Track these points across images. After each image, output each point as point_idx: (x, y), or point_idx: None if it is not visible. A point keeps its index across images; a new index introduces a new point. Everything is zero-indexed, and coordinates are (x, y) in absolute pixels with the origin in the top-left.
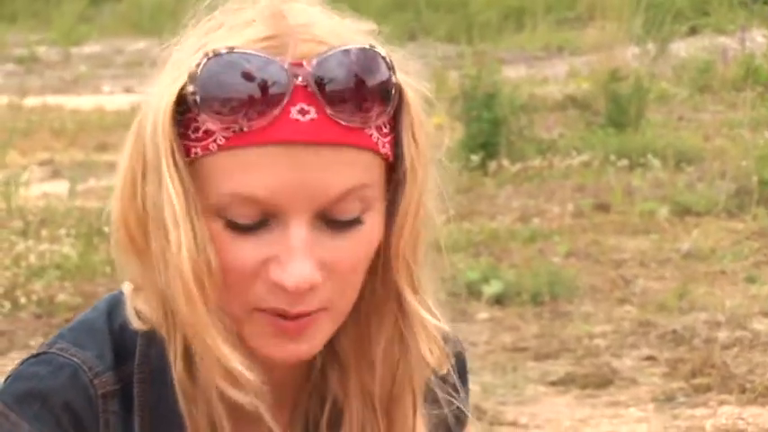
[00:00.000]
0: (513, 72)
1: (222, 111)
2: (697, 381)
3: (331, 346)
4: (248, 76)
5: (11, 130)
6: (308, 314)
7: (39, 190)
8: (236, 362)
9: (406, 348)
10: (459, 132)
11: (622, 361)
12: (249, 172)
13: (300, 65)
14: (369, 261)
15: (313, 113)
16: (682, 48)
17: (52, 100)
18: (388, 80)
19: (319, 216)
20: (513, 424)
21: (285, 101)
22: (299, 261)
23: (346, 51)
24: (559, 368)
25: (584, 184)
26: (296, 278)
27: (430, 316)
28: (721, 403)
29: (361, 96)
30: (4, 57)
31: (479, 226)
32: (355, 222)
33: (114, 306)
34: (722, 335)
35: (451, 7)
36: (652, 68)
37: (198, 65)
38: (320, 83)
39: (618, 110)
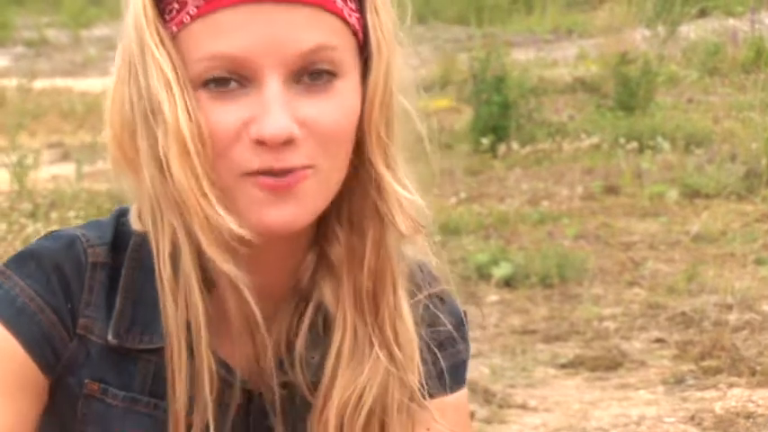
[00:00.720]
0: (522, 55)
1: None
2: (706, 363)
3: (325, 256)
4: None
5: (21, 112)
6: (292, 170)
7: (48, 172)
8: (229, 221)
9: (385, 228)
10: (468, 115)
11: (631, 343)
12: (222, 34)
13: None
14: (351, 129)
15: None
16: (691, 30)
17: (61, 82)
18: None
19: (293, 76)
20: (523, 406)
21: None
22: (275, 113)
23: None
24: (569, 351)
25: (594, 166)
26: (272, 128)
27: (403, 190)
28: (731, 386)
29: None
30: (14, 40)
31: (489, 208)
32: (328, 83)
33: (122, 212)
34: (732, 317)
35: None
36: (661, 51)
37: None
38: None
39: (627, 92)
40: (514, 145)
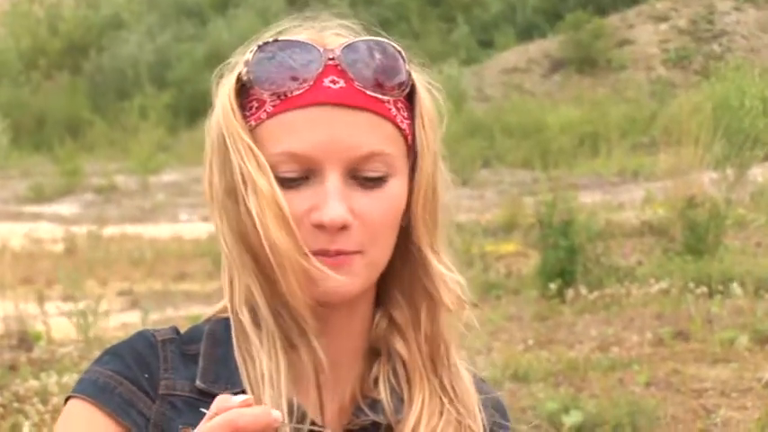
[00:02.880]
0: (588, 198)
1: (270, 81)
2: None
3: (392, 318)
4: (290, 55)
5: (90, 260)
6: (345, 253)
7: (117, 320)
8: (328, 270)
9: (434, 303)
10: (535, 260)
11: None
12: (291, 132)
13: (332, 50)
14: (397, 220)
15: (342, 83)
16: (758, 173)
17: (131, 229)
18: (402, 65)
19: (350, 173)
20: None
21: (318, 73)
22: (334, 201)
23: (369, 40)
24: None
25: (663, 311)
26: (331, 215)
27: (446, 270)
28: None
29: (379, 73)
30: (84, 186)
31: (558, 355)
32: (380, 181)
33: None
34: None
35: (526, 133)
36: (729, 194)
37: (251, 52)
38: (347, 61)
39: (695, 236)
40: (582, 290)
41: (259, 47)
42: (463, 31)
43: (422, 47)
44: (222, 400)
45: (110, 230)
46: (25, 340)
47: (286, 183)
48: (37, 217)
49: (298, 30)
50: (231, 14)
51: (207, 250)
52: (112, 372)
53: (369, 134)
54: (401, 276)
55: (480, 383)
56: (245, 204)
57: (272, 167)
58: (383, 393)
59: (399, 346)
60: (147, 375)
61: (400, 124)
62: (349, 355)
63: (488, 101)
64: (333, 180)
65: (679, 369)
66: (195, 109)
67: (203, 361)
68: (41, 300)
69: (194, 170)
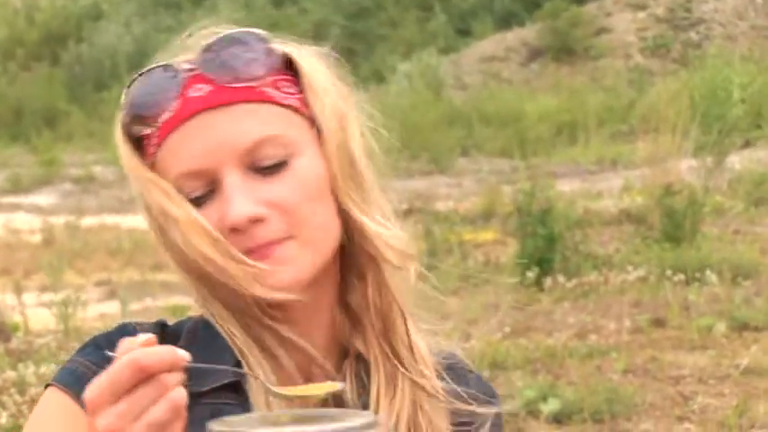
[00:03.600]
0: (566, 186)
1: (141, 118)
2: None
3: (349, 307)
4: (150, 85)
5: (68, 250)
6: (268, 244)
7: (96, 310)
8: (249, 261)
9: (379, 267)
10: (513, 248)
11: None
12: (177, 154)
13: (192, 59)
14: (319, 192)
15: (206, 88)
16: (736, 161)
17: (109, 219)
18: (259, 48)
19: (249, 167)
20: None
21: (181, 88)
22: (235, 200)
23: (224, 36)
24: None
25: (641, 299)
26: (235, 212)
27: (383, 228)
28: None
29: (239, 64)
30: (61, 177)
31: (536, 343)
32: (282, 166)
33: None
34: None
35: (504, 122)
36: (707, 182)
37: (124, 93)
38: (204, 64)
39: (673, 224)
40: (560, 278)
41: (127, 88)
42: (441, 19)
43: (399, 36)
44: (126, 341)
45: (88, 221)
46: (3, 331)
47: (195, 203)
48: (15, 207)
49: (170, 47)
50: (209, 5)
51: None
52: (90, 363)
53: (248, 124)
54: (349, 255)
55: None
56: (171, 235)
57: (179, 192)
58: (349, 395)
59: (358, 343)
60: None
61: (283, 101)
62: (321, 353)
63: (466, 89)
64: (230, 179)
65: (657, 356)
66: None
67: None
68: (19, 290)
69: None
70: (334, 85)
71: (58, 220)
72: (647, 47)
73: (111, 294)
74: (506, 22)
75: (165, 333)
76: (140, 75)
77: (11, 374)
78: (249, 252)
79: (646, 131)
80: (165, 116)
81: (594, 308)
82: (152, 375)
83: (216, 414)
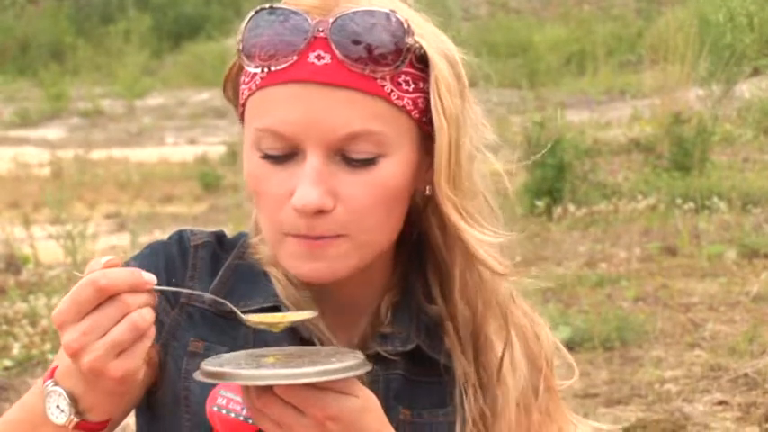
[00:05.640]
0: (575, 116)
1: (256, 53)
2: None
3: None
4: (278, 25)
5: (77, 183)
6: (325, 236)
7: (105, 243)
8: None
9: (475, 271)
10: (522, 178)
11: (694, 406)
12: (273, 108)
13: (326, 20)
14: (392, 201)
15: (327, 59)
16: (745, 89)
17: (117, 153)
18: (401, 40)
19: (337, 153)
20: None
21: (304, 46)
22: (307, 186)
23: (367, 11)
24: (630, 414)
25: (650, 227)
26: (301, 200)
27: (479, 233)
28: None
29: (371, 49)
30: (69, 111)
31: (546, 272)
32: (369, 163)
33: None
34: None
35: (512, 53)
36: (715, 110)
37: (247, 19)
38: (335, 34)
39: (682, 153)
40: (570, 207)
41: (254, 13)
42: None
43: None
44: (92, 262)
45: (96, 154)
46: (13, 263)
47: (271, 159)
48: (23, 141)
49: None
50: None
51: (193, 173)
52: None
53: (350, 113)
54: (438, 245)
55: None
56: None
57: (258, 142)
58: (391, 325)
59: (433, 285)
60: (174, 280)
61: (396, 101)
62: (366, 298)
63: (474, 20)
64: (311, 162)
65: (667, 284)
66: (179, 33)
67: (224, 272)
68: (28, 223)
69: (180, 93)
70: (456, 85)
71: (67, 154)
72: None
73: (121, 227)
74: None
75: (222, 243)
76: (273, 9)
77: (22, 306)
78: (300, 236)
79: (654, 61)
80: (280, 65)
81: (604, 236)
82: (113, 296)
83: (256, 334)
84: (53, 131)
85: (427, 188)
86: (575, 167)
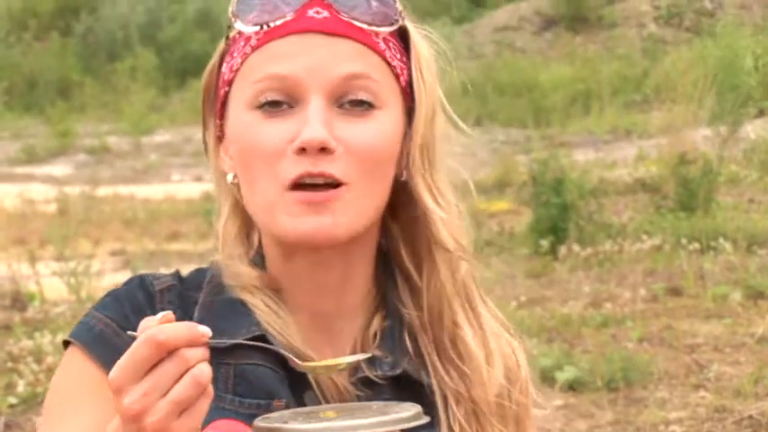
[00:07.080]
0: (581, 156)
1: (252, 14)
2: None
3: (402, 277)
4: None
5: (83, 220)
6: (329, 177)
7: (111, 280)
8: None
9: (438, 249)
10: (527, 217)
11: None
12: (273, 58)
13: None
14: (388, 155)
15: (326, 14)
16: (750, 130)
17: (123, 189)
18: (394, 7)
19: (335, 101)
20: None
21: (300, 6)
22: (313, 124)
23: None
24: None
25: (656, 268)
26: (309, 135)
27: (444, 213)
28: None
29: (368, 5)
30: (76, 148)
31: (551, 311)
32: (366, 109)
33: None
34: None
35: (518, 92)
36: (721, 151)
37: None
38: None
39: (688, 193)
40: (575, 247)
41: None
42: None
43: (414, 5)
44: (145, 320)
45: (102, 191)
46: (19, 300)
47: (269, 109)
48: (29, 178)
49: None
50: None
51: (199, 210)
52: (110, 320)
53: (352, 59)
54: (406, 230)
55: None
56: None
57: (255, 96)
58: (380, 349)
59: (404, 297)
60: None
61: (389, 59)
62: (349, 310)
63: (480, 59)
64: (314, 103)
65: (672, 325)
66: (186, 69)
67: (199, 312)
68: (34, 260)
69: (186, 130)
70: (434, 68)
71: (73, 191)
72: (660, 16)
73: (126, 264)
74: None
75: (183, 282)
76: None
77: (27, 343)
78: (309, 176)
79: (660, 101)
80: (278, 21)
81: (609, 276)
82: (172, 351)
83: (240, 374)
84: (59, 168)
85: (404, 173)
86: (580, 207)
